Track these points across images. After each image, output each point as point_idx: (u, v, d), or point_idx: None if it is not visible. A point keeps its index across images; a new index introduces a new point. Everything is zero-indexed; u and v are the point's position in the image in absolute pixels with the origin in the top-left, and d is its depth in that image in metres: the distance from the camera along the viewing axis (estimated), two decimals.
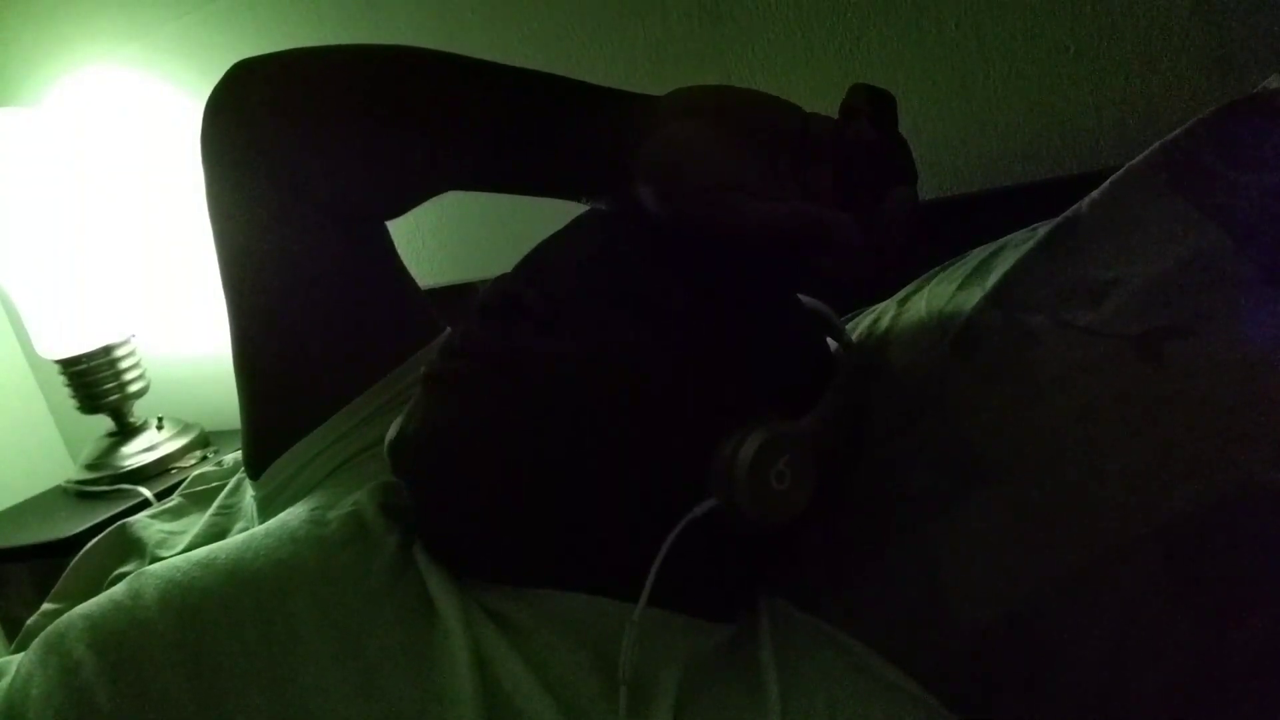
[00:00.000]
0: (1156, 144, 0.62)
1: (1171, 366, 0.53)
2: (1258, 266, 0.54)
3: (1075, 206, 0.64)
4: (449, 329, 0.71)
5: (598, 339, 0.51)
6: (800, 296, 0.62)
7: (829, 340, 0.63)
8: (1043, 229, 0.65)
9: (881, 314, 0.72)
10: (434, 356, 0.54)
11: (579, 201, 0.60)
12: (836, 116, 0.52)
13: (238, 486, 0.94)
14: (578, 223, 0.59)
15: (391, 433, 0.52)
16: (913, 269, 0.73)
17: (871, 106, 0.51)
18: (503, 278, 0.56)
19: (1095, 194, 0.63)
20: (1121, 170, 0.63)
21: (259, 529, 0.56)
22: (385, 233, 0.68)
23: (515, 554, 0.52)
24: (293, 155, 0.60)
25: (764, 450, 0.48)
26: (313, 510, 0.57)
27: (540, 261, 0.56)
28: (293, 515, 0.58)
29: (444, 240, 1.29)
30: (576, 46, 1.09)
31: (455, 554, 0.52)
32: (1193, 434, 0.51)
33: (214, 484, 1.00)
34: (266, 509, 0.64)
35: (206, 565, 0.50)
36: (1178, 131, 0.61)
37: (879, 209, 0.49)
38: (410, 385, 0.63)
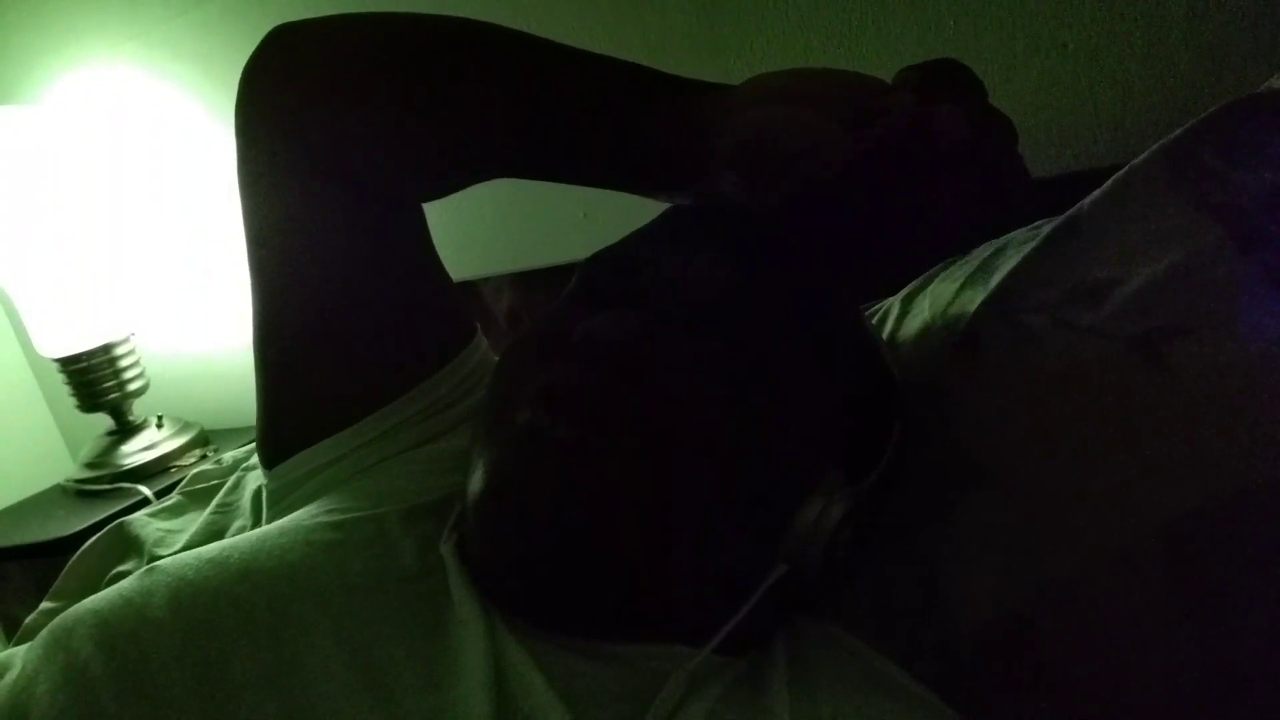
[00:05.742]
0: (1157, 143, 0.62)
1: (1172, 367, 0.52)
2: (1259, 266, 0.54)
3: (1077, 206, 0.63)
4: (479, 327, 0.69)
5: (710, 408, 0.48)
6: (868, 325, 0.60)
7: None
8: (1044, 228, 0.64)
9: (886, 313, 0.72)
10: (533, 395, 0.48)
11: (650, 196, 0.55)
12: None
13: (236, 484, 0.94)
14: (676, 233, 0.56)
15: (478, 484, 0.50)
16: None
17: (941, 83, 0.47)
18: (593, 284, 0.53)
19: (1096, 193, 0.63)
20: (1123, 170, 0.62)
21: (273, 527, 0.55)
22: (422, 219, 0.65)
23: (571, 606, 0.50)
24: (331, 127, 0.56)
25: (839, 528, 0.49)
26: (329, 512, 0.56)
27: (643, 279, 0.52)
28: (307, 515, 0.56)
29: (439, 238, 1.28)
30: (572, 41, 1.08)
31: (502, 598, 0.50)
32: (1193, 434, 0.50)
33: (213, 482, 1.00)
34: (278, 503, 0.63)
35: (220, 564, 0.50)
36: (1179, 131, 0.61)
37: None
38: (446, 396, 0.62)
